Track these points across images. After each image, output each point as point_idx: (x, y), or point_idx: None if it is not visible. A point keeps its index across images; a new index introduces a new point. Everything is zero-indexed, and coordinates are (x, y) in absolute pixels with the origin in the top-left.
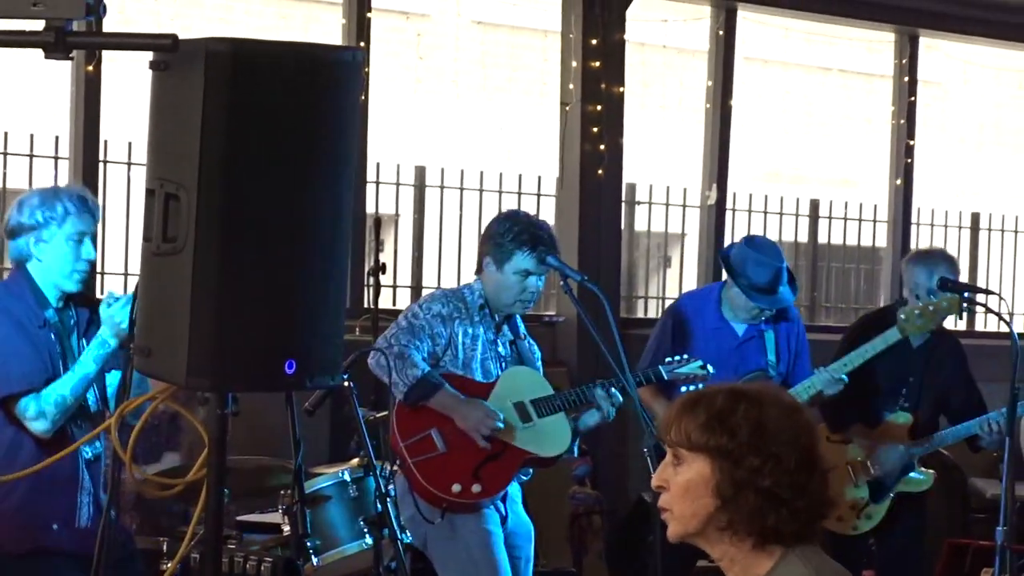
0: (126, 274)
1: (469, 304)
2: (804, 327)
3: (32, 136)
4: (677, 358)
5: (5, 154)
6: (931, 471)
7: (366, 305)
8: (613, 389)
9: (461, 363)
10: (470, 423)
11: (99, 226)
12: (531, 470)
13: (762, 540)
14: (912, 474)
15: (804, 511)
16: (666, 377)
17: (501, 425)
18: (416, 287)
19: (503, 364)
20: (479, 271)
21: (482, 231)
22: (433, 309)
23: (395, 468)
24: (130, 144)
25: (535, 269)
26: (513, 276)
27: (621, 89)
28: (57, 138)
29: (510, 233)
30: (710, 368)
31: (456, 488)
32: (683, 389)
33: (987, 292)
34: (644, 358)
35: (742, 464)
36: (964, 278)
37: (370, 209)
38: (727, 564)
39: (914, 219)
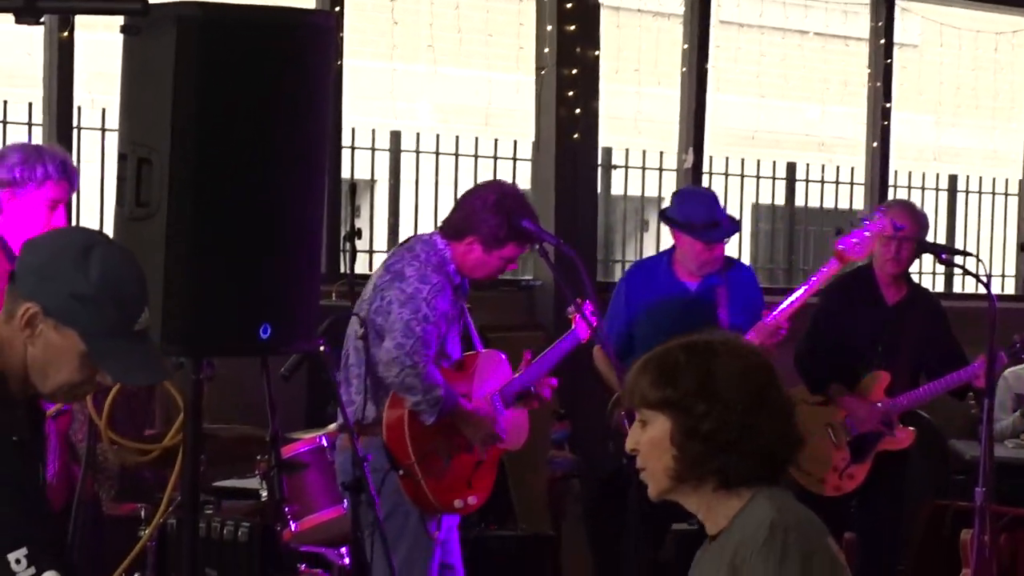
0: None
1: (454, 285)
2: (757, 281)
3: (5, 103)
4: None
5: None
6: (911, 428)
7: (342, 270)
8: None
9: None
10: (478, 439)
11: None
12: None
13: (721, 484)
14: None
15: (756, 453)
16: None
17: (504, 438)
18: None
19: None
20: (453, 238)
21: (470, 204)
22: (439, 308)
23: (400, 472)
24: (104, 110)
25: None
26: (499, 261)
27: (596, 53)
28: (31, 104)
29: (506, 224)
30: None
31: (459, 504)
32: None
33: (964, 254)
34: (604, 327)
35: (691, 413)
36: (942, 240)
37: (345, 174)
38: (702, 514)
39: (891, 182)
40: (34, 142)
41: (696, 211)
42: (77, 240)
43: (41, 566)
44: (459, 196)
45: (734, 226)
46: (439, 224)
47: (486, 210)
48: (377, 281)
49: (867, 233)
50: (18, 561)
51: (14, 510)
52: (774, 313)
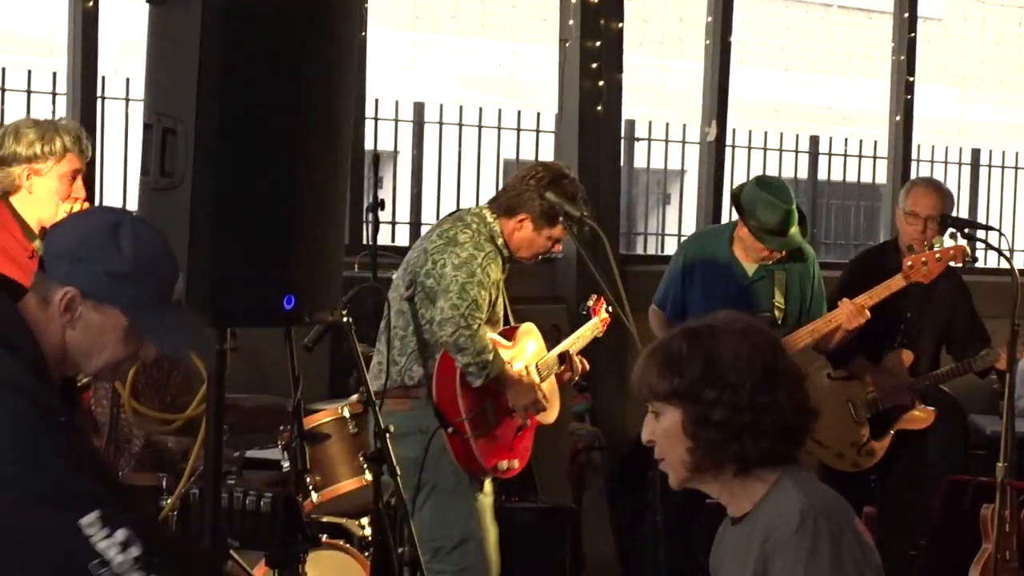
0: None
1: (503, 257)
2: (820, 270)
3: (30, 72)
4: None
5: (3, 90)
6: (931, 408)
7: (365, 241)
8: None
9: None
10: (520, 405)
11: (92, 163)
12: None
13: (741, 468)
14: (913, 411)
15: (772, 431)
16: None
17: (547, 407)
18: (415, 223)
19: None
20: (504, 214)
21: (523, 181)
22: (491, 275)
23: (449, 430)
24: (128, 80)
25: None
26: (547, 241)
27: (620, 25)
28: (55, 74)
29: (566, 212)
30: None
31: (503, 465)
32: None
33: (987, 228)
34: (656, 295)
35: (700, 400)
36: (964, 215)
37: (368, 145)
38: (725, 499)
39: (914, 156)
40: (55, 113)
41: (767, 216)
42: (104, 219)
43: (114, 526)
44: (512, 174)
45: (803, 230)
46: (490, 200)
47: (540, 189)
48: (426, 246)
49: (937, 257)
50: (91, 525)
51: (79, 477)
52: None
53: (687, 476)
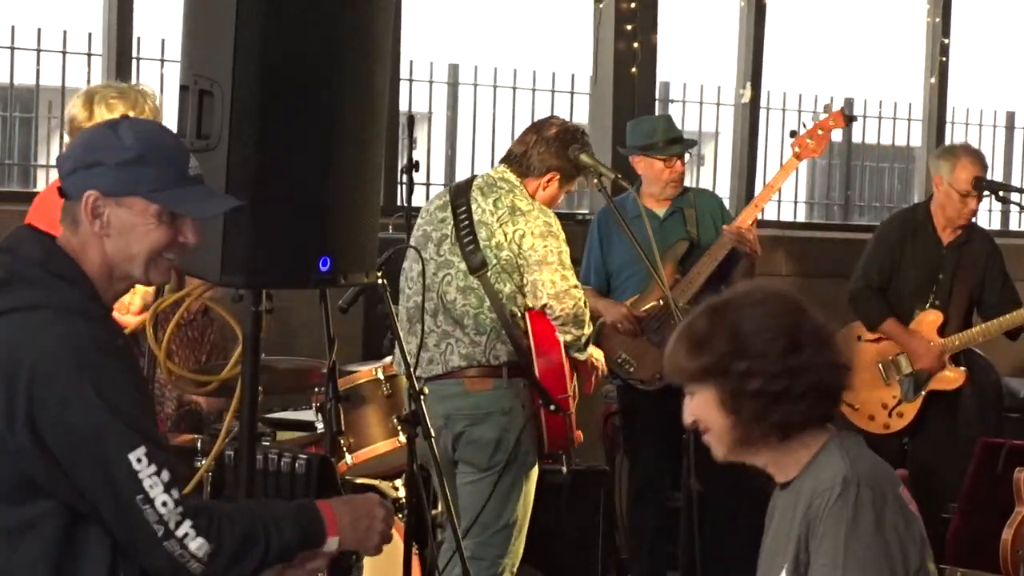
0: None
1: None
2: (725, 207)
3: (65, 33)
4: None
5: (39, 51)
6: (962, 368)
7: (399, 202)
8: None
9: None
10: (593, 376)
11: None
12: None
13: (784, 435)
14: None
15: (808, 392)
16: None
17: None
18: (449, 185)
19: None
20: (528, 174)
21: (545, 139)
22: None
23: (552, 407)
24: (163, 41)
25: None
26: (565, 194)
27: None
28: (90, 35)
29: (580, 165)
30: None
31: (581, 437)
32: None
33: (1021, 191)
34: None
35: (730, 374)
36: (998, 177)
37: (403, 107)
38: (772, 469)
39: (949, 118)
40: (93, 75)
41: (647, 126)
42: (101, 125)
43: (159, 463)
44: (523, 133)
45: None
46: (507, 162)
47: (563, 145)
48: (481, 218)
49: (820, 131)
50: (139, 460)
51: (131, 411)
52: (738, 219)
53: (732, 450)
